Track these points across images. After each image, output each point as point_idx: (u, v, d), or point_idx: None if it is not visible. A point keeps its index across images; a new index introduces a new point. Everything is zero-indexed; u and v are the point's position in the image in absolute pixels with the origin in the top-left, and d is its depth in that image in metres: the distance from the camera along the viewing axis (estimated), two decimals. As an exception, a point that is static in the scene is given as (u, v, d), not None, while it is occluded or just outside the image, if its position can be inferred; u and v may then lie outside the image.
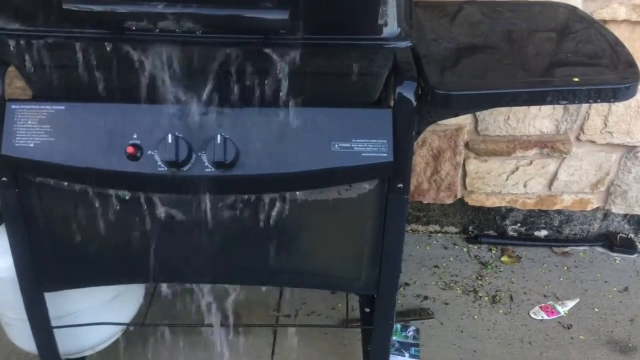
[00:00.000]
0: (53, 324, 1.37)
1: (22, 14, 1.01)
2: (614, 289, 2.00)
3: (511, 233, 2.21)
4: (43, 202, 1.19)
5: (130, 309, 1.62)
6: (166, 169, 1.09)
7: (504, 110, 1.94)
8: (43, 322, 1.36)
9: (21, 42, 1.03)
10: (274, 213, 1.19)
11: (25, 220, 1.21)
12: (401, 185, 1.16)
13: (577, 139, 2.00)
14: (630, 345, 1.79)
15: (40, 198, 1.19)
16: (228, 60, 1.03)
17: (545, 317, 1.88)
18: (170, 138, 1.07)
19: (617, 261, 2.12)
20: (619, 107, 1.93)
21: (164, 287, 1.55)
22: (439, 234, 2.22)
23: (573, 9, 1.49)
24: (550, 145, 1.99)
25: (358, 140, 1.10)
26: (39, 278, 1.29)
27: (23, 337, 1.48)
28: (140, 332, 1.69)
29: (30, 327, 1.36)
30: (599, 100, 1.13)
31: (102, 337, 1.58)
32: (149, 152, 1.09)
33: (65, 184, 1.17)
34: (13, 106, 1.11)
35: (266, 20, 0.95)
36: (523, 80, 1.16)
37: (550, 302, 1.93)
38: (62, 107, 1.11)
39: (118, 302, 1.55)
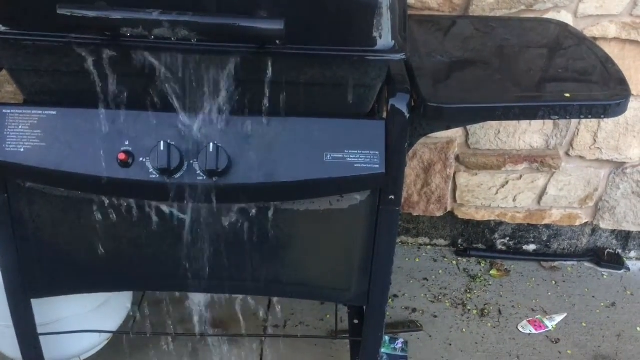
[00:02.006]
0: (39, 330, 1.36)
1: (16, 18, 1.01)
2: (602, 304, 2.01)
3: (500, 247, 2.22)
4: (32, 207, 1.18)
5: (118, 317, 1.61)
6: (158, 176, 1.09)
7: (494, 124, 1.95)
8: (29, 329, 1.34)
9: (14, 46, 1.03)
10: (264, 222, 1.19)
11: (13, 226, 1.20)
12: (393, 197, 1.16)
13: (567, 154, 2.01)
14: (617, 360, 1.80)
15: (29, 203, 1.18)
16: (222, 68, 1.03)
17: (533, 331, 1.89)
18: (162, 145, 1.07)
19: (605, 276, 2.13)
20: (608, 123, 1.94)
21: (151, 295, 1.54)
22: (429, 247, 2.22)
23: (564, 26, 1.51)
24: (539, 160, 2.00)
25: (350, 151, 1.10)
26: (26, 284, 1.28)
27: (8, 344, 1.47)
28: (127, 341, 1.67)
29: (16, 333, 1.35)
30: (589, 116, 1.14)
31: (89, 344, 1.57)
32: (141, 159, 1.09)
33: (55, 189, 1.16)
34: (4, 110, 1.10)
35: (261, 30, 0.95)
36: (515, 95, 1.17)
37: (538, 317, 1.94)
38: (54, 112, 1.10)
39: (105, 310, 1.54)
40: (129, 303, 1.65)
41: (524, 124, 1.95)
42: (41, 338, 1.37)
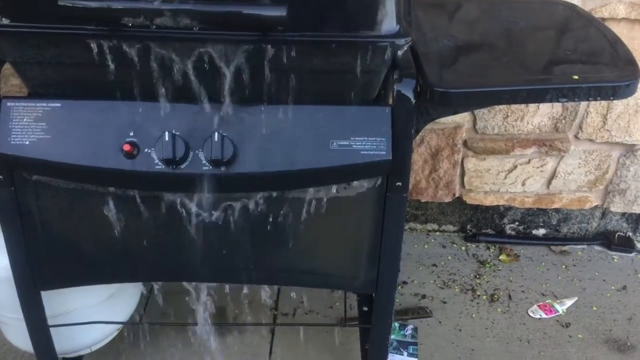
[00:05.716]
0: (49, 322, 1.36)
1: (18, 10, 1.00)
2: (612, 287, 2.00)
3: (509, 232, 2.21)
4: (39, 200, 1.18)
5: (127, 307, 1.61)
6: (163, 167, 1.09)
7: (502, 108, 1.93)
8: (39, 321, 1.35)
9: (16, 38, 1.02)
10: (271, 211, 1.18)
11: (21, 219, 1.20)
12: (400, 184, 1.15)
13: (576, 137, 2.00)
14: (629, 344, 1.79)
15: (36, 196, 1.18)
16: (225, 57, 1.02)
17: (544, 315, 1.88)
18: (167, 136, 1.06)
19: (616, 260, 2.12)
20: (617, 105, 1.92)
21: (161, 285, 1.55)
22: (437, 233, 2.22)
23: (572, 7, 1.49)
24: (548, 144, 1.98)
25: (357, 138, 1.09)
26: (35, 276, 1.28)
27: (19, 336, 1.47)
28: (137, 331, 1.68)
29: (27, 326, 1.35)
30: (598, 98, 1.13)
31: (99, 335, 1.58)
32: (146, 150, 1.08)
33: (62, 182, 1.16)
34: (9, 103, 1.10)
35: (264, 17, 0.94)
36: (522, 78, 1.16)
37: (549, 301, 1.93)
38: (58, 105, 1.10)
39: (115, 301, 1.55)
40: (138, 294, 1.66)
41: (532, 107, 1.93)
42: (52, 330, 1.38)
